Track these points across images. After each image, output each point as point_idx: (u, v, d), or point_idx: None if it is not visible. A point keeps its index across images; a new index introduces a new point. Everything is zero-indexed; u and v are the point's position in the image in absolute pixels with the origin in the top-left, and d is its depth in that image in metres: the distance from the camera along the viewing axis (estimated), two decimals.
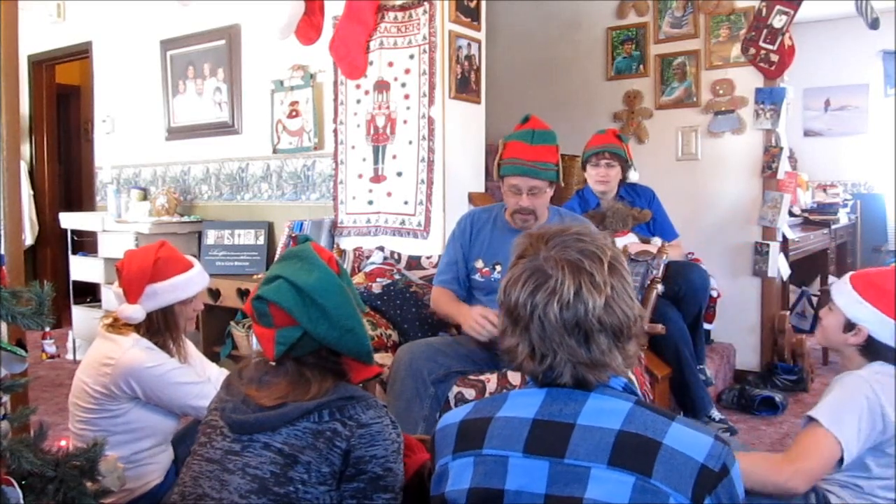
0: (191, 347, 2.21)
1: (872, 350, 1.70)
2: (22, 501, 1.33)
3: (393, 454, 1.31)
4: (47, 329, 4.39)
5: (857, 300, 1.70)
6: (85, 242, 5.00)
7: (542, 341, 1.11)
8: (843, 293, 1.74)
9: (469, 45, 3.50)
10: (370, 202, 3.66)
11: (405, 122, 3.50)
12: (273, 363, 1.40)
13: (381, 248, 3.48)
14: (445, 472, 1.17)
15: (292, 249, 1.45)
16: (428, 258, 3.35)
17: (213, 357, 3.68)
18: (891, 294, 1.65)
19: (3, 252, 2.30)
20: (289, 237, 3.73)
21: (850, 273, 1.79)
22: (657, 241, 3.11)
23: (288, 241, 3.71)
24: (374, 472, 1.29)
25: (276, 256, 3.85)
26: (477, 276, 2.59)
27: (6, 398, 1.69)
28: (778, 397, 3.56)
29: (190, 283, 2.04)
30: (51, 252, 5.91)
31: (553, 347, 1.10)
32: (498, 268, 2.56)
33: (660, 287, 2.84)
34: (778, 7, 3.81)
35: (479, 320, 2.34)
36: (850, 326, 1.72)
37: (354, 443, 1.28)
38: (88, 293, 5.05)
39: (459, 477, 1.14)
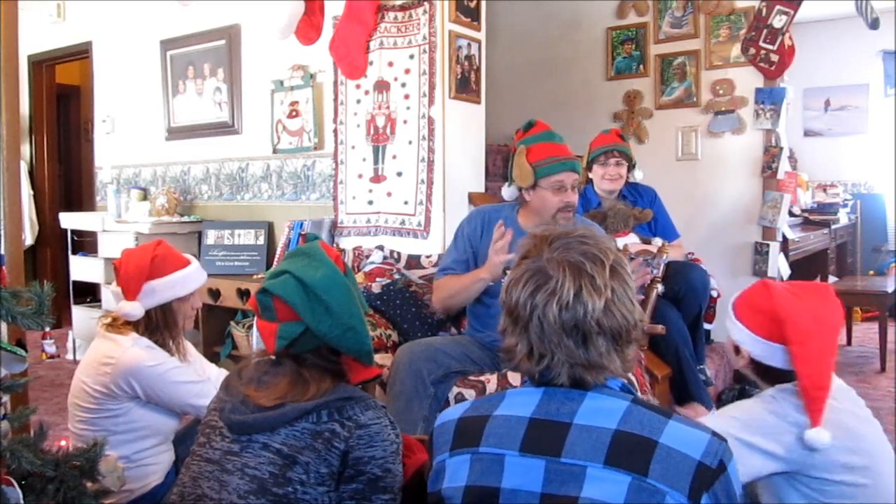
0: (190, 347, 2.21)
1: (764, 373, 1.57)
2: (22, 501, 1.33)
3: (392, 455, 1.31)
4: (47, 329, 4.40)
5: (733, 321, 1.59)
6: (85, 242, 5.00)
7: (540, 341, 1.11)
8: (728, 315, 1.62)
9: (469, 45, 3.50)
10: (370, 202, 3.65)
11: (405, 122, 3.50)
12: (273, 362, 1.40)
13: (381, 248, 3.48)
14: (442, 470, 1.18)
15: (301, 247, 1.47)
16: (427, 257, 3.35)
17: (213, 357, 3.68)
18: (762, 313, 1.52)
19: (3, 252, 2.30)
20: (298, 235, 3.72)
21: (738, 294, 1.66)
22: (657, 240, 3.11)
23: (293, 240, 3.71)
24: (373, 473, 1.29)
25: (276, 256, 3.85)
26: None
27: (6, 398, 1.69)
28: None
29: (187, 280, 2.05)
30: (51, 252, 5.91)
31: (551, 348, 1.11)
32: (508, 272, 2.49)
33: (660, 287, 2.84)
34: (778, 7, 3.81)
35: (496, 238, 2.33)
36: (737, 349, 1.61)
37: (353, 443, 1.28)
38: (88, 293, 5.05)
39: (456, 474, 1.15)
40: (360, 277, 3.25)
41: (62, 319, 4.98)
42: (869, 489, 1.45)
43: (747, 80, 4.07)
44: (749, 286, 1.63)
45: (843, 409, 1.48)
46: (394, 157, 3.55)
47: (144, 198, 4.58)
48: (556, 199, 2.45)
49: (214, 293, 3.86)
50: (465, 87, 3.49)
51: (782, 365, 1.50)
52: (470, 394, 2.36)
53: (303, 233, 3.69)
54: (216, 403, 1.42)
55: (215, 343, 3.97)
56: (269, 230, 4.18)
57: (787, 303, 1.48)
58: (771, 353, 1.52)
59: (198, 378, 2.03)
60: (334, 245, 3.73)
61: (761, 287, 1.56)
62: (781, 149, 3.98)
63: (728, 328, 1.62)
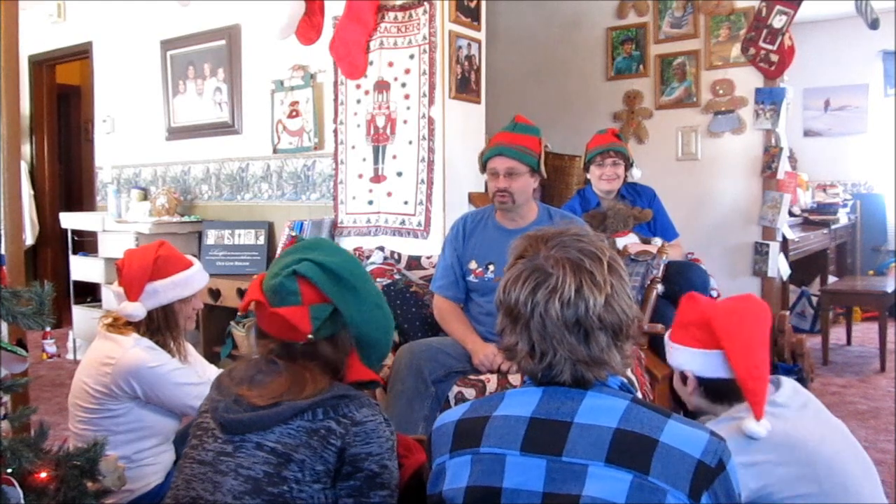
0: (190, 348, 2.21)
1: (713, 392, 1.54)
2: (22, 501, 1.33)
3: (388, 451, 1.32)
4: (48, 329, 4.40)
5: (670, 345, 1.59)
6: (85, 242, 5.00)
7: (542, 339, 1.12)
8: (666, 346, 1.62)
9: (469, 45, 3.50)
10: (370, 202, 3.66)
11: (405, 122, 3.50)
12: (267, 360, 1.39)
13: (382, 248, 3.48)
14: (443, 471, 1.18)
15: (307, 241, 1.47)
16: (428, 258, 3.34)
17: (213, 357, 3.68)
18: (692, 324, 1.53)
19: (3, 252, 2.30)
20: (289, 236, 3.72)
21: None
22: (657, 241, 3.11)
23: (287, 242, 3.71)
24: (371, 469, 1.29)
25: (277, 256, 3.85)
26: (471, 278, 2.62)
27: (7, 398, 1.69)
28: None
29: (190, 281, 2.05)
30: (51, 252, 5.91)
31: (553, 345, 1.11)
32: (491, 268, 2.58)
33: (660, 287, 2.84)
34: (778, 7, 3.82)
35: (491, 360, 2.41)
36: (683, 377, 1.58)
37: (349, 440, 1.28)
38: (89, 293, 5.05)
39: (457, 475, 1.15)
40: None
41: (62, 319, 4.98)
42: (838, 490, 1.38)
43: (747, 80, 4.08)
44: (679, 312, 1.62)
45: (791, 418, 1.44)
46: (394, 157, 3.55)
47: (145, 198, 4.59)
48: (492, 185, 2.56)
49: (214, 293, 3.86)
50: (465, 87, 3.49)
51: (725, 373, 1.49)
52: (470, 393, 2.36)
53: (293, 235, 3.70)
54: (207, 404, 1.41)
55: (215, 343, 3.97)
56: (270, 230, 4.18)
57: (712, 306, 1.51)
58: (711, 363, 1.50)
59: (198, 380, 2.03)
60: None
61: (686, 300, 1.58)
62: (781, 149, 3.98)
63: (669, 359, 1.61)
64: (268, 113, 4.14)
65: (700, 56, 4.27)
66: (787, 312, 4.23)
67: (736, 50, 4.10)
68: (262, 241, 4.15)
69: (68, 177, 6.77)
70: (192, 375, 2.04)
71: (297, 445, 1.27)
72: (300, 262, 1.37)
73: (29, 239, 5.56)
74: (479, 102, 3.62)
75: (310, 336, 1.35)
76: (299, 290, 1.35)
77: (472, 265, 2.62)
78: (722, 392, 1.53)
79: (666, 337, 1.63)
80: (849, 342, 4.96)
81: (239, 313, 3.80)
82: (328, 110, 3.86)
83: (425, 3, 3.40)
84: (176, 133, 4.72)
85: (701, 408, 1.61)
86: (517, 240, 1.22)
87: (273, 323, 1.37)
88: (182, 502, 1.33)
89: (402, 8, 3.50)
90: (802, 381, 3.87)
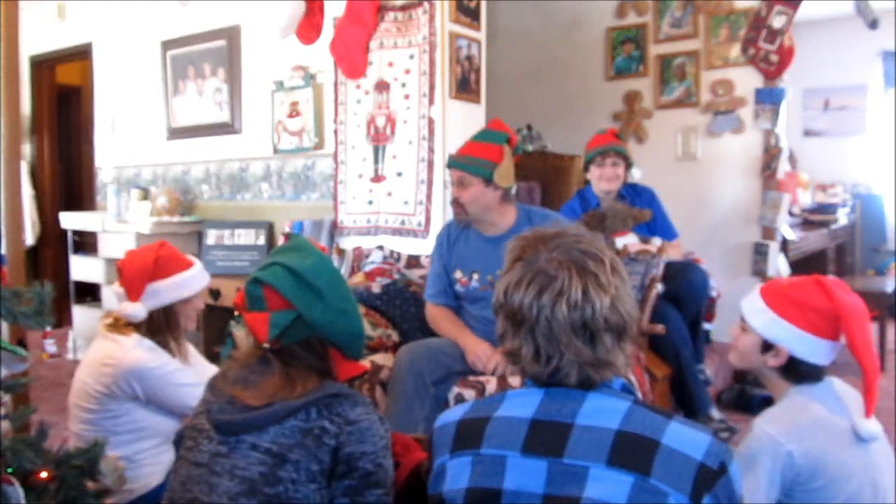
0: (191, 349, 2.22)
1: (794, 371, 1.54)
2: (23, 501, 1.33)
3: (382, 450, 1.31)
4: (48, 329, 4.40)
5: (773, 318, 1.52)
6: (85, 242, 5.00)
7: (548, 342, 1.11)
8: (757, 311, 1.56)
9: (469, 45, 3.50)
10: (370, 202, 3.66)
11: (405, 122, 3.50)
12: (260, 361, 1.39)
13: (381, 248, 3.48)
14: (443, 471, 1.18)
15: (286, 243, 1.48)
16: (427, 257, 3.34)
17: (214, 357, 3.68)
18: (809, 309, 1.49)
19: (3, 252, 2.30)
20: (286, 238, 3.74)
21: (760, 286, 1.61)
22: (657, 240, 3.11)
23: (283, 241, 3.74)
24: (366, 468, 1.29)
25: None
26: (458, 287, 2.63)
27: (7, 398, 1.69)
28: None
29: (191, 282, 2.05)
30: (51, 252, 5.91)
31: (560, 348, 1.11)
32: (475, 276, 2.58)
33: (660, 287, 2.84)
34: (778, 7, 3.82)
35: (484, 360, 2.43)
36: (767, 346, 1.55)
37: (343, 440, 1.28)
38: (89, 293, 5.05)
39: (457, 476, 1.14)
40: (359, 277, 3.25)
41: (62, 319, 4.98)
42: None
43: (747, 80, 4.08)
44: (789, 282, 1.59)
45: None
46: (394, 157, 3.55)
47: (145, 198, 4.58)
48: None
49: (215, 293, 3.87)
50: (465, 87, 3.49)
51: (824, 360, 1.52)
52: (469, 394, 2.36)
53: (285, 233, 3.73)
54: (202, 406, 1.41)
55: (215, 343, 3.97)
56: (270, 230, 4.18)
57: (842, 302, 1.47)
58: (817, 350, 1.50)
59: (199, 381, 2.03)
60: (334, 245, 3.73)
61: (815, 286, 1.51)
62: (781, 149, 3.98)
63: (762, 327, 1.54)
64: (268, 113, 4.14)
65: (700, 56, 4.27)
66: None
67: (736, 50, 4.10)
68: (262, 241, 4.15)
69: (68, 177, 6.77)
70: (193, 376, 2.04)
71: (292, 446, 1.27)
72: (269, 267, 1.37)
73: (30, 239, 5.56)
74: (478, 102, 3.62)
75: (266, 344, 1.36)
76: (264, 297, 1.35)
77: (458, 274, 2.63)
78: (802, 372, 1.54)
79: (760, 298, 1.56)
80: None
81: (237, 313, 3.81)
82: (328, 110, 3.86)
83: (425, 3, 3.40)
84: (176, 133, 4.72)
85: (764, 374, 1.61)
86: (512, 241, 1.21)
87: (248, 327, 1.39)
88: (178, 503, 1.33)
89: (402, 8, 3.50)
90: None
